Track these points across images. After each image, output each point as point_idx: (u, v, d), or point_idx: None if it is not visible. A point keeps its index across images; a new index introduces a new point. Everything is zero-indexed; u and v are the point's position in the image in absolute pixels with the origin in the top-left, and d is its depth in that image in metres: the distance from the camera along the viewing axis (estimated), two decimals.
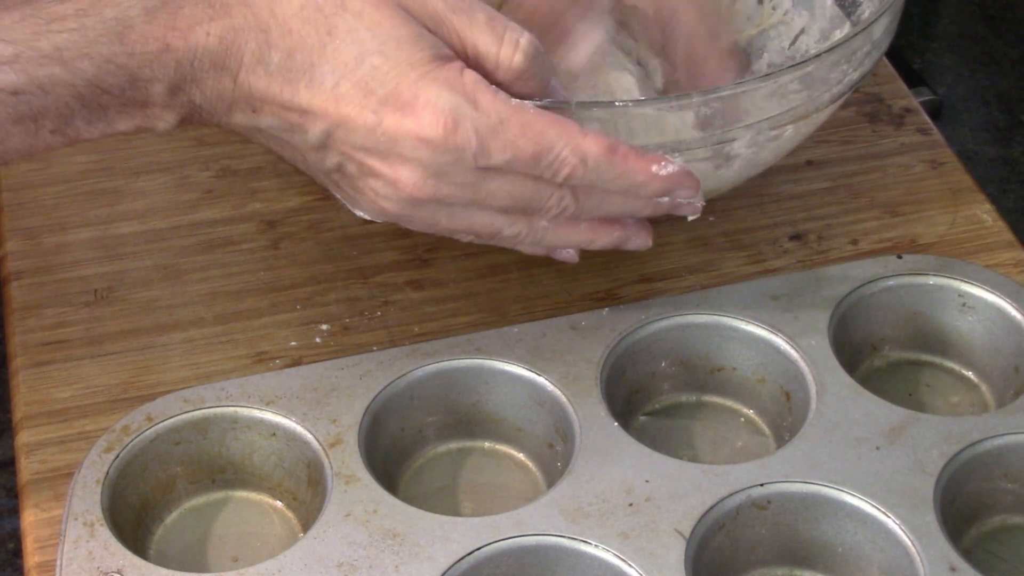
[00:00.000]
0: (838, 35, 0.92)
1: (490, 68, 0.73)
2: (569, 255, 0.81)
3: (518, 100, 0.73)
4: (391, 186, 0.73)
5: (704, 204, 0.78)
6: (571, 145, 0.73)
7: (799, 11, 0.95)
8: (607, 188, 0.75)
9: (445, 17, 0.73)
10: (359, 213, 0.77)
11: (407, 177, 0.73)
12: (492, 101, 0.72)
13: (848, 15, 0.92)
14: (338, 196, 0.77)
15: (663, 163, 0.75)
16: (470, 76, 0.72)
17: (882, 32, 0.83)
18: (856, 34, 0.81)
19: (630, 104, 0.78)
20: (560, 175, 0.74)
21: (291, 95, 0.72)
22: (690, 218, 0.79)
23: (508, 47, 0.73)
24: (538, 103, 0.74)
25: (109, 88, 0.71)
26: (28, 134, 0.71)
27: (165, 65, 0.71)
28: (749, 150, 0.81)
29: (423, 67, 0.71)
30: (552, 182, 0.74)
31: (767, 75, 0.79)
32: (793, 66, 0.79)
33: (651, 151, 0.76)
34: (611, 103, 0.77)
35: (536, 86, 0.75)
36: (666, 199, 0.77)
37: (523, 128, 0.72)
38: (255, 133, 0.75)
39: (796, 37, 0.94)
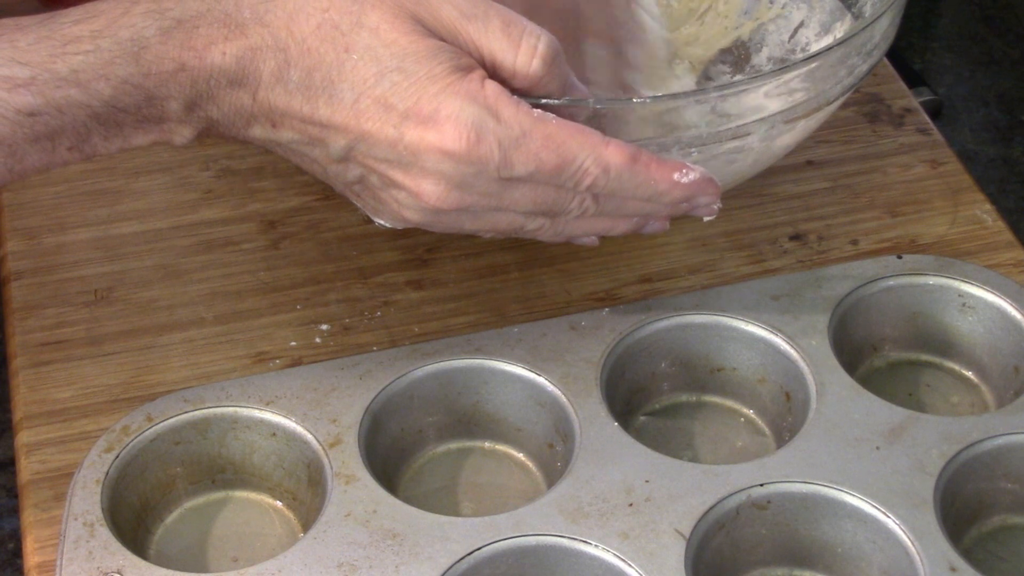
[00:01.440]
0: (838, 27, 0.92)
1: (507, 76, 0.73)
2: (590, 241, 0.81)
3: (540, 111, 0.73)
4: (414, 197, 0.73)
5: (721, 206, 0.78)
6: (594, 155, 0.73)
7: (798, 4, 0.94)
8: (628, 195, 0.76)
9: (460, 26, 0.72)
10: (380, 222, 0.77)
11: (430, 190, 0.73)
12: (514, 113, 0.72)
13: (849, 7, 0.92)
14: (359, 206, 0.77)
15: (684, 171, 0.75)
16: (491, 87, 0.72)
17: (889, 23, 0.83)
18: (865, 27, 0.81)
19: (648, 100, 0.77)
20: (583, 185, 0.74)
21: (311, 111, 0.72)
22: (706, 219, 0.79)
23: (525, 54, 0.73)
24: (557, 102, 0.74)
25: (126, 107, 0.71)
26: (45, 152, 0.71)
27: (180, 83, 0.71)
28: (762, 144, 0.81)
29: (443, 80, 0.71)
30: (574, 190, 0.74)
31: (781, 69, 0.79)
32: (807, 59, 0.79)
33: (672, 158, 0.76)
34: (630, 100, 0.77)
35: (556, 87, 0.75)
36: (685, 203, 0.77)
37: (546, 140, 0.72)
38: (274, 146, 0.75)
39: (795, 30, 0.94)
